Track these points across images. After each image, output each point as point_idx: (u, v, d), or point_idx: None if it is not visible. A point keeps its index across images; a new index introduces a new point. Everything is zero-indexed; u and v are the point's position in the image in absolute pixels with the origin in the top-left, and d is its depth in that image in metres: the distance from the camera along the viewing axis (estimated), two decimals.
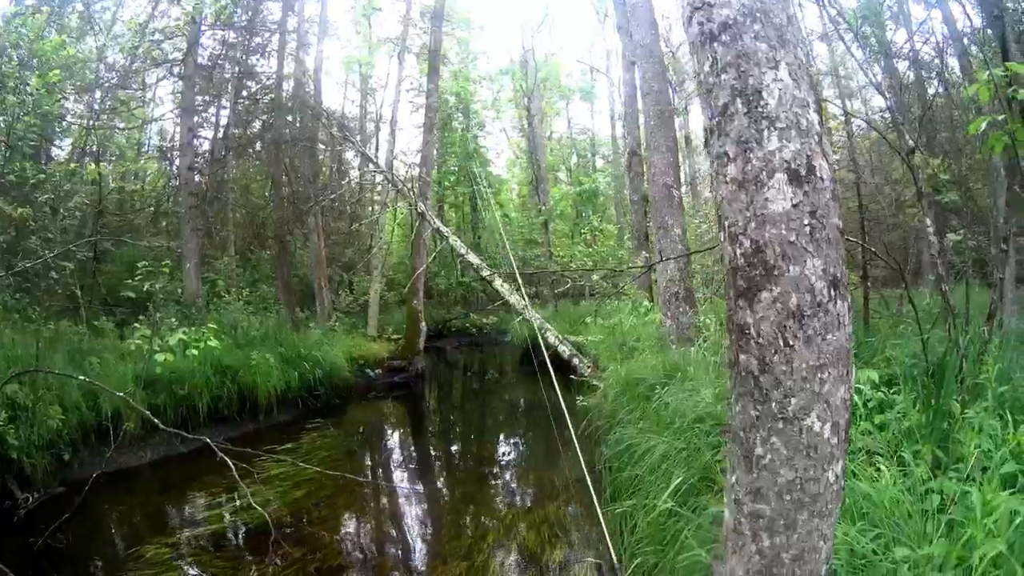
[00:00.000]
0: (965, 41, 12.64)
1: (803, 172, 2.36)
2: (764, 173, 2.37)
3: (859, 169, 14.54)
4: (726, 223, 2.51)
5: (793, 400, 2.44)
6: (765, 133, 2.38)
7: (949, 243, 9.90)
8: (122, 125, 22.94)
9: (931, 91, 16.09)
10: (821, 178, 2.39)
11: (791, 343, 2.40)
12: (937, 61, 15.03)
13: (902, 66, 16.95)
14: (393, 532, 8.70)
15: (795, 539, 2.57)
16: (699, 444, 6.04)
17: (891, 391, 5.81)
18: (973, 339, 6.13)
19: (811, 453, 2.49)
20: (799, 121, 2.40)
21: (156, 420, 8.46)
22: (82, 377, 9.26)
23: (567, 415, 8.35)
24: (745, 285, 2.44)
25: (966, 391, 5.31)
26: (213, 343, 12.62)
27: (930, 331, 6.79)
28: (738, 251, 2.45)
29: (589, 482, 7.29)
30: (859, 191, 12.53)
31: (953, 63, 14.74)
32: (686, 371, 8.72)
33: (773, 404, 2.46)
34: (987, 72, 5.33)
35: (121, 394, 8.93)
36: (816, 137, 2.43)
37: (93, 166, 18.64)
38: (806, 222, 2.35)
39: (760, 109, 2.40)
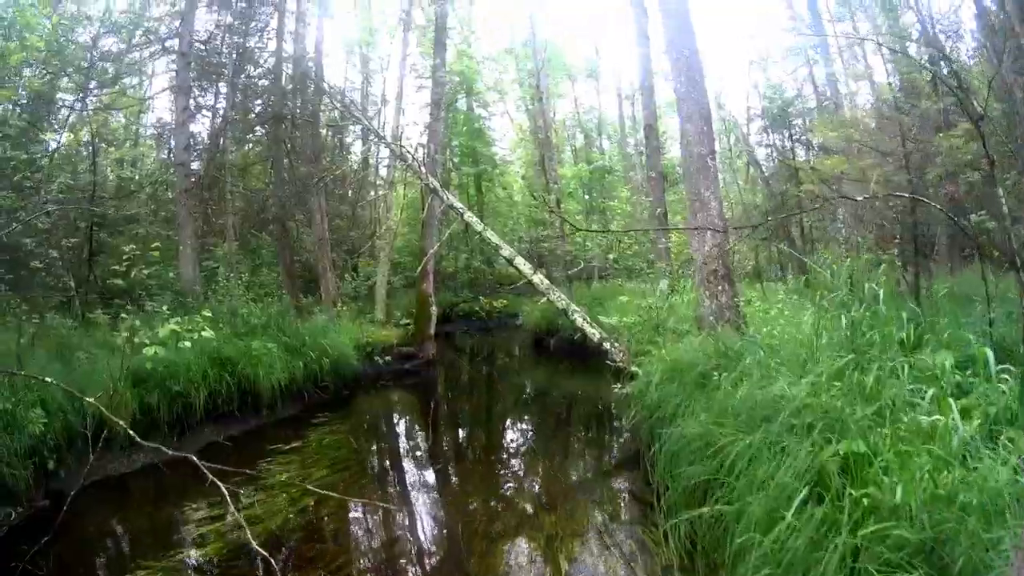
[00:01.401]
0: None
1: None
2: None
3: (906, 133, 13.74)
4: None
5: None
6: None
7: (967, 225, 9.22)
8: (117, 111, 22.36)
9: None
10: None
11: None
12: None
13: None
14: (414, 550, 7.66)
15: None
16: (801, 444, 5.06)
17: (967, 374, 5.14)
18: None
19: None
20: None
21: (131, 431, 7.45)
22: (49, 379, 8.25)
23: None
24: None
25: None
26: (207, 334, 11.64)
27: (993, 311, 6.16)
28: None
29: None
30: (907, 161, 11.67)
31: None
32: (740, 356, 7.80)
33: None
34: None
35: (92, 399, 7.93)
36: None
37: (72, 135, 18.11)
38: None
39: None
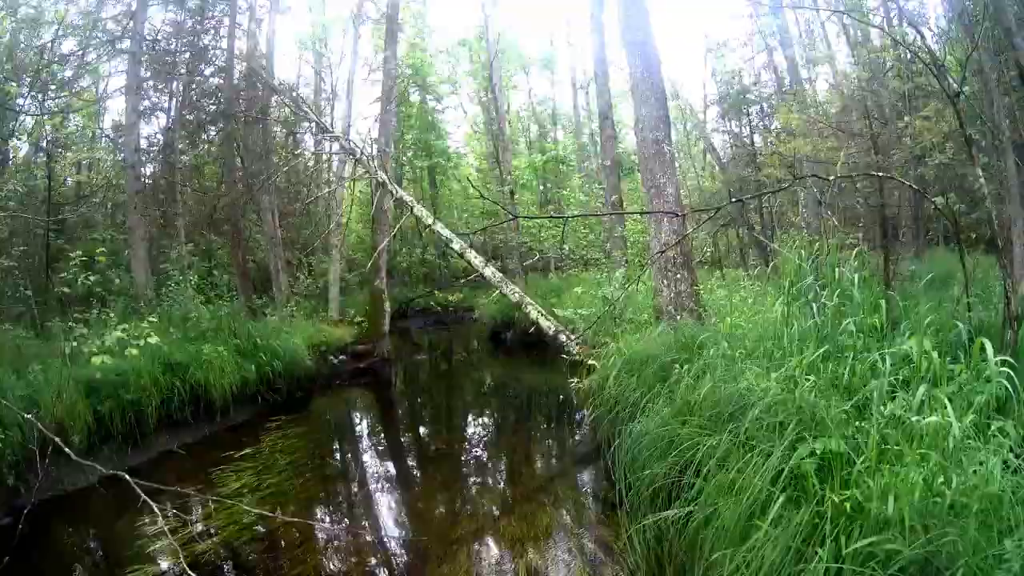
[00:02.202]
0: None
1: None
2: None
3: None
4: None
5: None
6: None
7: (942, 205, 9.12)
8: (73, 113, 21.91)
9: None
10: None
11: None
12: None
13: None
14: (370, 559, 7.27)
15: None
16: (773, 443, 4.78)
17: (946, 360, 4.81)
18: None
19: None
20: None
21: (66, 448, 7.01)
22: None
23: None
24: None
25: None
26: (154, 340, 11.23)
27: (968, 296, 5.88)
28: None
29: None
30: (875, 142, 11.50)
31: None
32: (702, 347, 7.61)
33: None
34: None
35: (29, 415, 7.54)
36: None
37: (29, 138, 17.83)
38: None
39: None
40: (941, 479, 3.61)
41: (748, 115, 27.62)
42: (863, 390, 4.72)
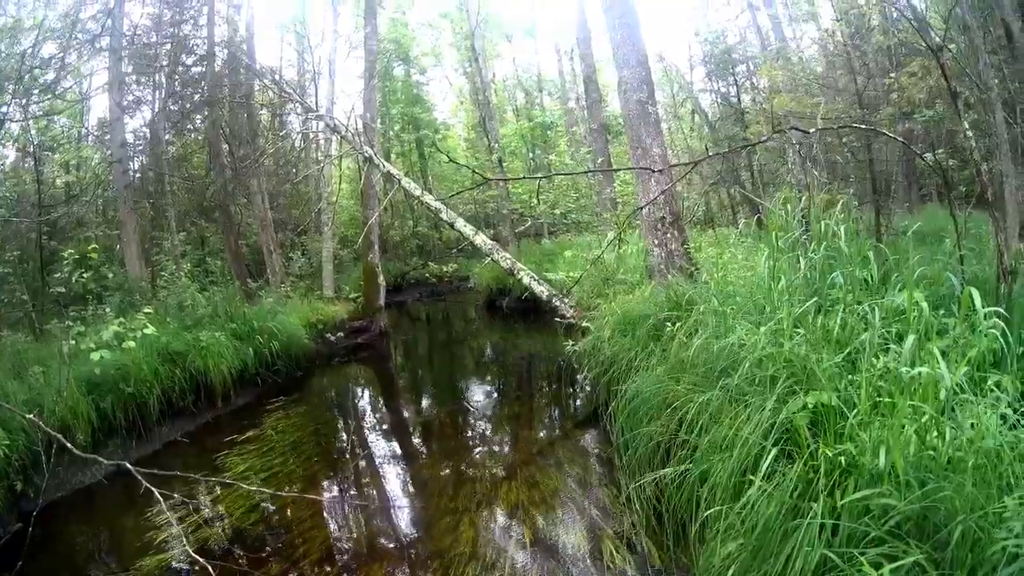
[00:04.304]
0: None
1: None
2: None
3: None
4: None
5: None
6: None
7: (932, 160, 9.11)
8: (57, 115, 21.84)
9: None
10: None
11: None
12: None
13: None
14: (377, 531, 7.34)
15: None
16: (764, 397, 4.77)
17: (940, 314, 4.80)
18: None
19: None
20: None
21: (68, 444, 7.02)
22: None
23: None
24: None
25: None
26: (150, 330, 11.25)
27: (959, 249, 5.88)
28: None
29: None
30: (860, 97, 11.47)
31: None
32: (692, 304, 7.65)
33: None
34: None
35: (31, 416, 7.53)
36: None
37: (16, 146, 17.83)
38: None
39: None
40: (935, 432, 3.59)
41: (734, 74, 27.63)
42: (854, 342, 4.72)
